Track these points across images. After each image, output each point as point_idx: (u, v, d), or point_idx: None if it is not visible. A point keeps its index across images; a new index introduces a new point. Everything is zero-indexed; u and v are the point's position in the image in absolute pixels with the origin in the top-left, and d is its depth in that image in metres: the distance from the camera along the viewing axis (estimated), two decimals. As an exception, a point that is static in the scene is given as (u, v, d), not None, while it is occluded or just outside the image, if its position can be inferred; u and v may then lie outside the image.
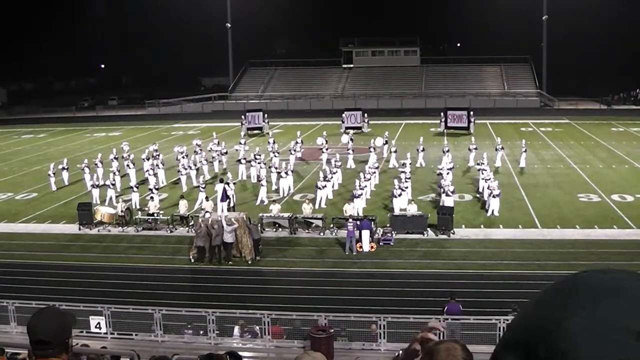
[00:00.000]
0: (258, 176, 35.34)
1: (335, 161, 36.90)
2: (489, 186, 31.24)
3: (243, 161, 38.99)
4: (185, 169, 37.03)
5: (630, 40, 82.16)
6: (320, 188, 32.23)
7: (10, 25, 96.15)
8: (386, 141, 44.29)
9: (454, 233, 27.36)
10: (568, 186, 35.54)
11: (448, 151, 40.53)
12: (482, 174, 33.72)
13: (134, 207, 31.92)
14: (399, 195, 30.05)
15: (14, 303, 18.85)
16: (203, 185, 32.67)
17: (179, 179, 36.64)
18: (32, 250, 27.14)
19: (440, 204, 29.88)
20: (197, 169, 37.82)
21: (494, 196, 29.96)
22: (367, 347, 17.80)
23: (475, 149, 41.41)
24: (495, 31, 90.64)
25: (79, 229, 29.70)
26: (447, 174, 32.76)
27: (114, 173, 36.05)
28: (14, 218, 32.41)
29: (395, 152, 41.50)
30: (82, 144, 56.45)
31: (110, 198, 33.53)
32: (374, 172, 35.44)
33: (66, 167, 38.92)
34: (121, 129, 66.42)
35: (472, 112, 56.08)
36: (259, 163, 37.75)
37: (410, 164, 36.11)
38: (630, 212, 29.99)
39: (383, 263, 24.77)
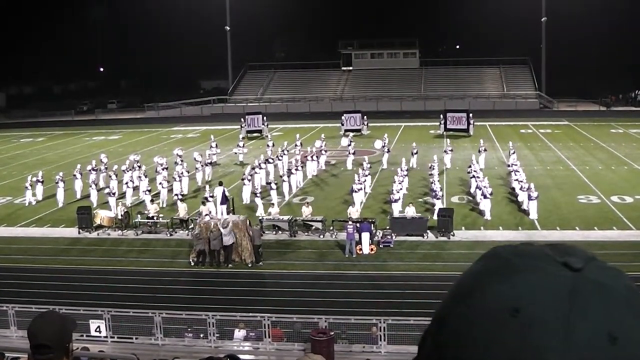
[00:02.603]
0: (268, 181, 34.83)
1: (366, 164, 36.80)
2: (521, 187, 31.41)
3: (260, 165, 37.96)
4: (169, 182, 35.30)
5: (629, 42, 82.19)
6: (356, 191, 32.15)
7: (9, 28, 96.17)
8: (383, 145, 44.19)
9: (453, 235, 27.35)
10: (568, 187, 35.55)
11: (485, 150, 41.13)
12: (515, 175, 34.18)
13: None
14: (439, 198, 30.63)
15: (14, 307, 18.83)
16: (181, 196, 32.09)
17: (159, 192, 34.39)
18: (32, 254, 27.10)
19: (479, 205, 30.78)
20: (180, 180, 35.44)
21: (531, 199, 29.70)
22: (368, 349, 17.79)
23: (451, 150, 41.42)
24: (494, 33, 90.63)
25: (79, 233, 29.66)
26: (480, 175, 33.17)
27: (90, 186, 34.43)
28: (13, 222, 32.38)
29: (389, 152, 41.51)
30: (81, 148, 56.41)
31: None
32: (406, 175, 35.37)
33: (41, 180, 35.87)
34: (120, 132, 66.44)
35: (471, 115, 56.10)
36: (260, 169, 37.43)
37: (438, 165, 36.22)
38: (629, 213, 29.99)
39: (383, 265, 24.77)
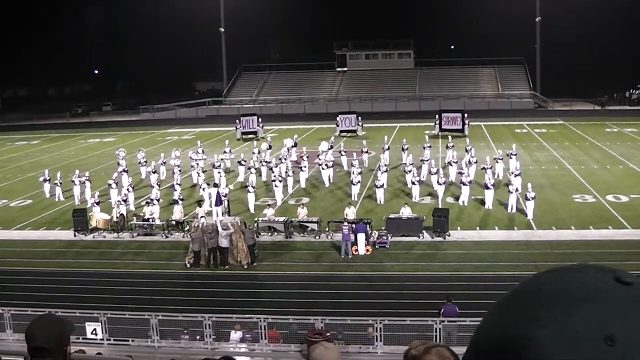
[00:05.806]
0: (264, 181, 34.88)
1: (384, 163, 36.84)
2: (515, 187, 31.56)
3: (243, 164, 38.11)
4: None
5: (623, 41, 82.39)
6: (353, 184, 33.52)
7: (4, 31, 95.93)
8: (331, 146, 43.63)
9: (449, 235, 27.41)
10: (563, 187, 35.64)
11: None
12: (498, 162, 35.97)
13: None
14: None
15: (10, 310, 18.79)
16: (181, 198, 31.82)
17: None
18: (28, 257, 27.08)
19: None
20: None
21: (528, 199, 29.63)
22: (364, 350, 17.80)
23: (430, 146, 41.36)
24: (489, 33, 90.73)
25: (74, 235, 29.63)
26: (491, 168, 34.07)
27: (128, 190, 33.72)
28: (8, 225, 32.32)
29: (388, 149, 41.59)
30: (76, 150, 56.33)
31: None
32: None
33: (48, 179, 36.46)
34: (115, 134, 66.33)
35: (466, 115, 56.14)
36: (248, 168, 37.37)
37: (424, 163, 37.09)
38: (624, 212, 30.09)
39: (379, 266, 24.80)
